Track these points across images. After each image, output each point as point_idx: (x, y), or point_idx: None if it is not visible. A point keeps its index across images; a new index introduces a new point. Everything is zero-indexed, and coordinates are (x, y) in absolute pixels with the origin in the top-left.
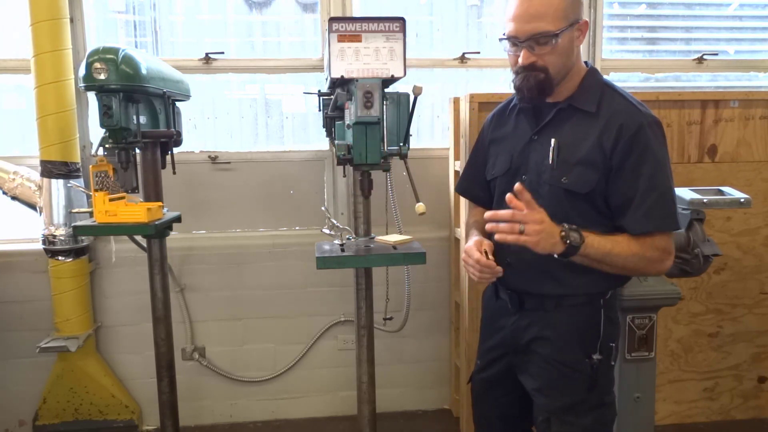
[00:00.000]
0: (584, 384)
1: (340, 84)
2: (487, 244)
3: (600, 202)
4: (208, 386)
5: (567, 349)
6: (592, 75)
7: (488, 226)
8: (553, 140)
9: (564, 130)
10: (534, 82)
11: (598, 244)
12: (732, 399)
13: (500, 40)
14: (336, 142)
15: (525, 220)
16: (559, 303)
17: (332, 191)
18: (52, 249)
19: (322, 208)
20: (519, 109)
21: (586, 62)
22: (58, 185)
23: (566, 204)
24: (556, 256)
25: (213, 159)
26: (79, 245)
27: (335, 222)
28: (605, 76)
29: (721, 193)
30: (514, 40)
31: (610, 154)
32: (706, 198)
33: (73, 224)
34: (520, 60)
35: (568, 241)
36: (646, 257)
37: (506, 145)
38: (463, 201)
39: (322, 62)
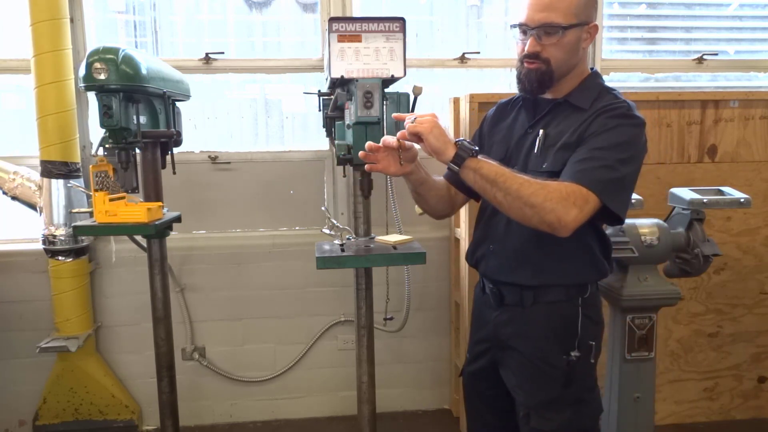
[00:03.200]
0: (560, 380)
1: (340, 84)
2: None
3: None
4: (208, 386)
5: (544, 345)
6: (595, 77)
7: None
8: (540, 131)
9: (555, 122)
10: (535, 76)
11: (494, 164)
12: (732, 399)
13: (512, 26)
14: (336, 142)
15: (418, 119)
16: (536, 298)
17: (332, 191)
18: (52, 249)
19: (322, 208)
20: (521, 104)
21: (591, 68)
22: (58, 185)
23: None
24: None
25: (213, 159)
26: (79, 245)
27: (335, 222)
28: (605, 76)
29: (721, 193)
30: (524, 27)
31: (585, 132)
32: (706, 198)
33: (73, 224)
34: (525, 48)
35: (458, 143)
36: (548, 194)
37: (503, 136)
38: None
39: (322, 62)
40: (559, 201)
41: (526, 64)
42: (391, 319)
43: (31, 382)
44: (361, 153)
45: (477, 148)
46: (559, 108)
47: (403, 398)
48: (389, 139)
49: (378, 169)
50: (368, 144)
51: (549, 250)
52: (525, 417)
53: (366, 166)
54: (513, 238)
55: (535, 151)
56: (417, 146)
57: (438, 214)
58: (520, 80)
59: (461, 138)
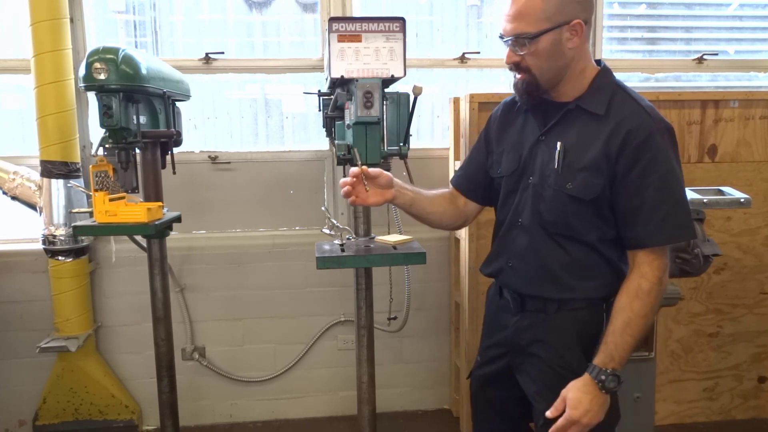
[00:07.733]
0: None
1: (340, 84)
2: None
3: (605, 210)
4: (208, 386)
5: (568, 353)
6: (604, 75)
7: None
8: (558, 144)
9: (571, 132)
10: (522, 85)
11: (623, 350)
12: (732, 399)
13: (498, 37)
14: (336, 142)
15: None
16: (560, 307)
17: (332, 191)
18: (52, 249)
19: (322, 208)
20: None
21: (599, 61)
22: (58, 185)
23: (569, 209)
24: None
25: (213, 159)
26: (79, 245)
27: (335, 222)
28: None
29: (721, 193)
30: (502, 39)
31: (615, 160)
32: (706, 198)
33: (73, 224)
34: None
35: (601, 384)
36: (649, 299)
37: (514, 144)
38: None
39: (322, 62)
40: (657, 284)
41: (514, 76)
42: (394, 318)
43: (31, 382)
44: (344, 190)
45: (615, 376)
46: (572, 114)
47: (403, 398)
48: (354, 170)
49: (356, 202)
50: (342, 181)
51: (574, 269)
52: (545, 426)
53: (349, 200)
54: (535, 255)
55: (555, 166)
56: (387, 172)
57: (450, 227)
58: (515, 87)
59: (601, 381)
